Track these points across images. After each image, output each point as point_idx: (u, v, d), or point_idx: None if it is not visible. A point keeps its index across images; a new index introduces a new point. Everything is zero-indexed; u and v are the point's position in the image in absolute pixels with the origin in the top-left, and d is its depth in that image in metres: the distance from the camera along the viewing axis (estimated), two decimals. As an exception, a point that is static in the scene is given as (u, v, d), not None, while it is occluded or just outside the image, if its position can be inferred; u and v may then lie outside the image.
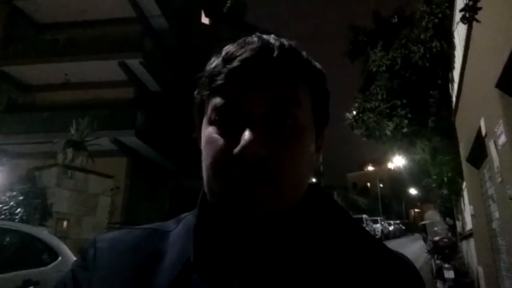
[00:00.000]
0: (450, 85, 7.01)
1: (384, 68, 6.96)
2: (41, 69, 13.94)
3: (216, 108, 0.48)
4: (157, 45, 16.31)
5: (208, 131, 0.49)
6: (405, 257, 0.57)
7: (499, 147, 3.81)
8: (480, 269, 6.46)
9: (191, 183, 17.67)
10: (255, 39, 0.50)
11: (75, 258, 2.86)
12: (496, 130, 3.85)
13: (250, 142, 0.44)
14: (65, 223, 6.29)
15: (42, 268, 3.60)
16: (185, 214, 0.58)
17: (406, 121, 7.47)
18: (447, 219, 9.59)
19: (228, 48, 0.50)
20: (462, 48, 5.25)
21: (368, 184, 53.62)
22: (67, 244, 4.23)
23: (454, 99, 6.76)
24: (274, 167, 0.46)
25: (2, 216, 5.99)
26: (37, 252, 3.80)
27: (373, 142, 9.16)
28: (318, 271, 0.48)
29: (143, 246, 0.52)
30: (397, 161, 20.72)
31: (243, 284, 0.46)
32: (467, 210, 8.04)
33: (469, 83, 5.30)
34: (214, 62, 0.51)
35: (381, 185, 47.86)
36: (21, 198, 6.08)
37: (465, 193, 8.45)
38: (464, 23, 2.77)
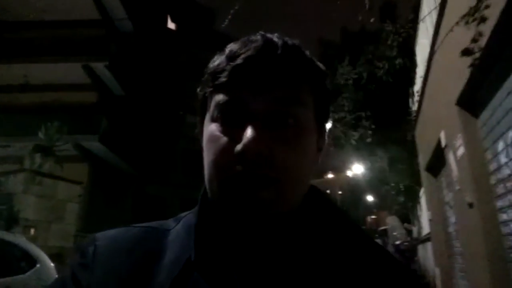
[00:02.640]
0: (410, 100, 7.56)
1: (351, 82, 7.40)
2: (-3, 69, 13.25)
3: (218, 106, 0.49)
4: (122, 49, 16.02)
5: (210, 129, 0.49)
6: (407, 265, 0.56)
7: (458, 158, 4.24)
8: (437, 270, 6.97)
9: (155, 190, 17.44)
10: (259, 37, 0.50)
11: (52, 265, 2.86)
12: (455, 142, 4.27)
13: (252, 140, 0.44)
14: (32, 230, 6.06)
15: (21, 276, 3.52)
16: (185, 213, 0.58)
17: (370, 132, 7.95)
18: (405, 224, 10.19)
19: (232, 46, 0.50)
20: (424, 66, 5.73)
21: (328, 191, 55.05)
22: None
23: (414, 112, 7.30)
24: (276, 166, 0.46)
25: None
26: (15, 259, 3.71)
27: (334, 151, 9.56)
28: (317, 271, 0.48)
29: (143, 245, 0.51)
30: (356, 169, 21.58)
31: (243, 283, 0.46)
32: (424, 215, 8.63)
33: (430, 99, 5.79)
34: (218, 59, 0.51)
35: (340, 192, 49.35)
36: (-16, 204, 5.81)
37: (422, 200, 9.05)
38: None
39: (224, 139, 0.47)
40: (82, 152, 13.34)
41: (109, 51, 14.20)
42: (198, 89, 0.54)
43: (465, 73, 3.59)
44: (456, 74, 3.92)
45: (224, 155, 0.46)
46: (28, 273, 3.60)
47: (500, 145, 3.37)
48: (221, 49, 0.52)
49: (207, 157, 0.49)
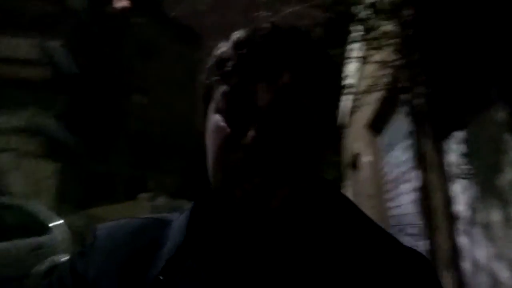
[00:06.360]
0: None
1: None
2: None
3: (224, 96, 0.47)
4: (75, 26, 16.00)
5: (215, 119, 0.48)
6: (418, 252, 0.53)
7: (366, 163, 6.03)
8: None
9: (102, 168, 17.72)
10: (268, 26, 0.49)
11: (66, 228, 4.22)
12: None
13: (257, 132, 0.44)
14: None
15: (46, 236, 4.60)
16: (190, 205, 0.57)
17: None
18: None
19: (239, 34, 0.49)
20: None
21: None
22: None
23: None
24: (279, 158, 0.45)
25: None
26: (38, 223, 4.71)
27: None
28: (316, 259, 0.47)
29: (144, 234, 0.53)
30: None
31: (236, 271, 0.47)
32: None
33: (354, 121, 7.58)
34: (224, 47, 0.50)
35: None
36: None
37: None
38: None
39: (229, 130, 0.46)
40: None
41: (64, 28, 14.27)
42: (203, 77, 0.53)
43: (374, 105, 5.25)
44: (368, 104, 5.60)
45: (228, 147, 0.46)
46: (48, 235, 4.65)
47: (389, 156, 5.16)
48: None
49: (212, 148, 0.49)
